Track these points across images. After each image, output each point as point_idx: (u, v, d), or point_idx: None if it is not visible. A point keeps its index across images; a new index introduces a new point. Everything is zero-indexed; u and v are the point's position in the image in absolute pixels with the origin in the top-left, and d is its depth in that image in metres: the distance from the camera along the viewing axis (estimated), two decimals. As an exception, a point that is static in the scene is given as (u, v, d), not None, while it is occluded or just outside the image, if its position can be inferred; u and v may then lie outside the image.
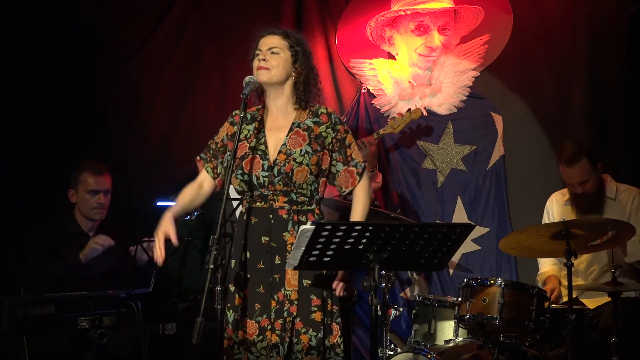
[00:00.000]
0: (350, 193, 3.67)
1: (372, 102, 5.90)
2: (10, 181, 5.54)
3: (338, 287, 3.56)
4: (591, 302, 4.63)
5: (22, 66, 5.58)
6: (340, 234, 3.15)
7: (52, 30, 5.69)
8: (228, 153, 3.66)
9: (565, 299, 4.78)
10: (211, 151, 3.74)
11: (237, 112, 3.72)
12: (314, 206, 3.63)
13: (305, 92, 3.66)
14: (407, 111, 5.56)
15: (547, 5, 5.62)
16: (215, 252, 3.30)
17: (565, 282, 4.80)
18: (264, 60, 3.61)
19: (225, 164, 3.68)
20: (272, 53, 3.62)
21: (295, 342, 3.52)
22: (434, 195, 5.77)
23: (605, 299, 4.50)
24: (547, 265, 4.92)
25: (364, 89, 5.92)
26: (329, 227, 3.13)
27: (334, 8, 6.01)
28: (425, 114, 5.77)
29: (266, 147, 3.62)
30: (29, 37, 5.61)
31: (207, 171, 3.72)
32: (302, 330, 3.53)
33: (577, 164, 4.71)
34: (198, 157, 3.78)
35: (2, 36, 5.51)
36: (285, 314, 3.52)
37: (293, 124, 3.65)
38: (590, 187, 4.76)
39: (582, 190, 4.77)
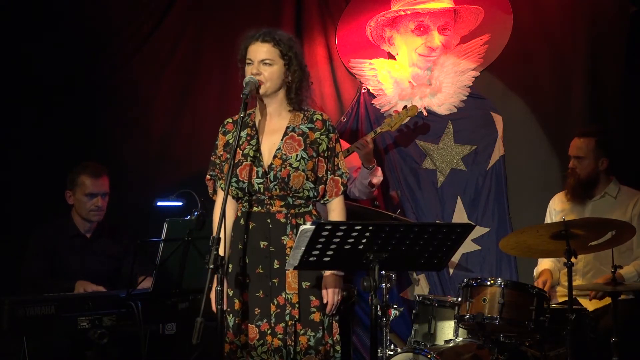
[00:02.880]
0: (327, 201, 3.68)
1: (372, 102, 5.90)
2: (10, 181, 5.54)
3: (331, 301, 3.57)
4: (590, 304, 4.62)
5: (22, 66, 5.59)
6: (340, 234, 3.15)
7: (52, 30, 5.70)
8: (225, 162, 3.64)
9: (560, 298, 4.79)
10: (217, 167, 3.70)
11: (229, 120, 3.73)
12: (310, 207, 3.64)
13: (298, 95, 3.64)
14: (403, 108, 5.57)
15: (547, 5, 5.61)
16: (215, 252, 3.30)
17: (562, 282, 4.83)
18: (258, 74, 3.57)
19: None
20: (265, 64, 3.58)
21: (294, 343, 3.53)
22: (434, 195, 5.77)
23: (605, 301, 4.50)
24: (544, 262, 4.93)
25: (364, 89, 5.92)
26: (329, 227, 3.13)
27: (334, 8, 6.00)
28: (425, 114, 5.77)
29: (260, 152, 3.61)
30: (29, 37, 5.61)
31: (223, 188, 3.63)
32: (301, 332, 3.54)
33: (584, 137, 4.82)
34: (208, 177, 3.73)
35: (2, 36, 5.51)
36: (287, 318, 3.53)
37: (287, 127, 3.64)
38: (582, 169, 4.80)
39: (573, 167, 4.81)
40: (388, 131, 5.58)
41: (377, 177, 5.44)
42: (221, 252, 3.35)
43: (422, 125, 5.78)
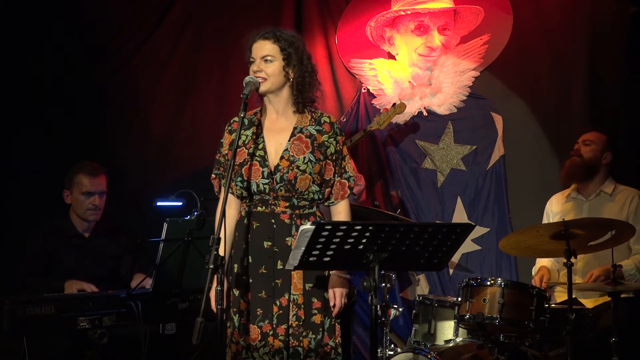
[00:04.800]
0: (332, 204, 3.67)
1: (372, 102, 5.90)
2: (11, 181, 5.54)
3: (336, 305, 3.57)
4: (590, 302, 4.63)
5: (22, 67, 5.59)
6: (340, 234, 3.14)
7: (53, 30, 5.70)
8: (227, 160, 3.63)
9: (559, 296, 4.78)
10: (222, 165, 3.69)
11: (235, 119, 3.70)
12: (314, 209, 3.63)
13: (302, 94, 3.62)
14: (392, 106, 5.60)
15: (547, 5, 5.62)
16: (215, 252, 3.29)
17: (561, 281, 4.83)
18: (259, 71, 3.58)
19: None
20: (266, 61, 3.59)
21: (296, 345, 3.52)
22: (434, 195, 5.78)
23: (604, 298, 4.50)
24: (542, 260, 4.94)
25: (364, 89, 5.92)
26: (329, 227, 3.13)
27: (334, 8, 6.01)
28: (425, 114, 5.78)
29: (265, 152, 3.59)
30: (29, 38, 5.61)
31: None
32: (304, 334, 3.53)
33: (597, 131, 4.98)
34: (213, 175, 3.71)
35: (2, 37, 5.51)
36: (293, 319, 3.52)
37: (295, 128, 3.62)
38: (590, 154, 4.88)
39: (580, 151, 4.89)
40: (377, 129, 5.60)
41: (357, 186, 5.43)
42: (221, 252, 3.35)
43: (422, 125, 5.79)
